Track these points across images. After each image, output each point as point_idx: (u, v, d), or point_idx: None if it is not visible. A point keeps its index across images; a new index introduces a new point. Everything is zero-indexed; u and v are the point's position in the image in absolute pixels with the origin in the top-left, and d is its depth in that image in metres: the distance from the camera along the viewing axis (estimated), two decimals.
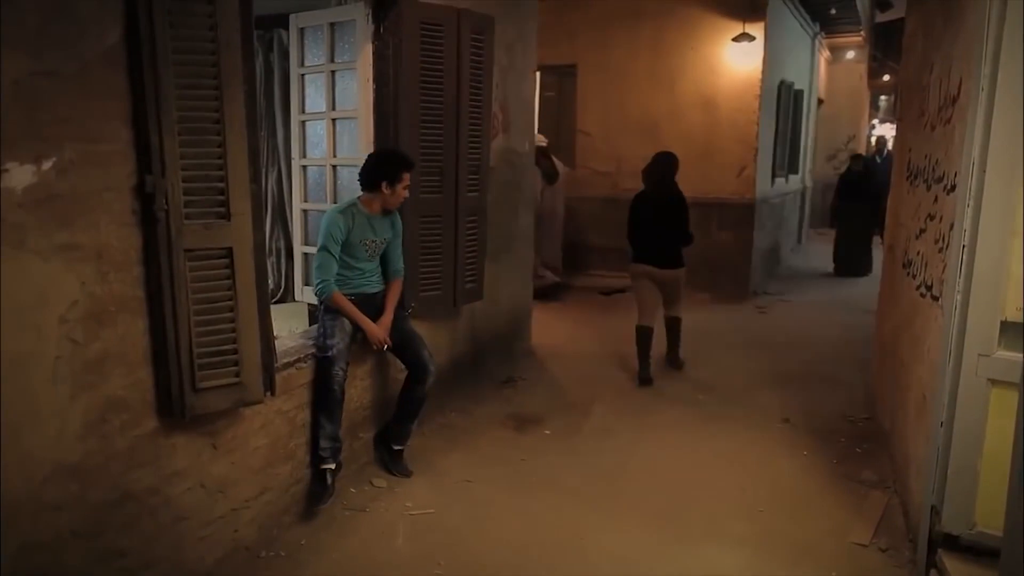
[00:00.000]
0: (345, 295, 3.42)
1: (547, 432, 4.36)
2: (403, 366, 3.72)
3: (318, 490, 3.32)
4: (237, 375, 2.66)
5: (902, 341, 3.68)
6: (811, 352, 6.13)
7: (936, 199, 3.12)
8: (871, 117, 19.74)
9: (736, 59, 7.90)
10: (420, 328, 4.06)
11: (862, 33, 13.14)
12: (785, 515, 3.40)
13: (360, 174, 3.45)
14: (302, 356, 3.26)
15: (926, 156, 3.36)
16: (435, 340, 4.33)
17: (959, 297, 2.59)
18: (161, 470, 2.57)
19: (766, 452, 4.09)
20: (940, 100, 3.21)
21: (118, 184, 2.32)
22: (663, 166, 5.19)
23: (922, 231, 3.32)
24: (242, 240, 2.61)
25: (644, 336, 5.26)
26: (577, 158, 8.80)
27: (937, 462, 2.70)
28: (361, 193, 3.48)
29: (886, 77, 15.85)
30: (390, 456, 3.73)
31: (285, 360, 3.15)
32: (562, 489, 3.64)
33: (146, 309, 2.44)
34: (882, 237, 9.68)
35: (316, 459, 3.34)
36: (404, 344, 3.65)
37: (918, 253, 3.36)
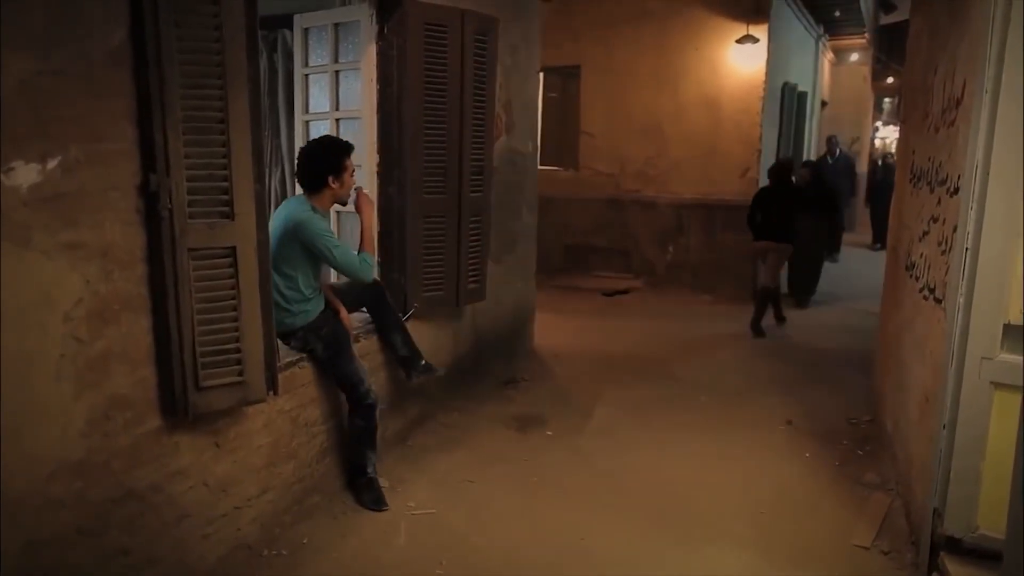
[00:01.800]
0: (305, 325, 3.25)
1: (549, 433, 4.36)
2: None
3: (378, 496, 3.40)
4: (240, 374, 2.67)
5: (904, 343, 3.68)
6: (814, 353, 6.12)
7: (939, 201, 3.12)
8: (875, 119, 19.73)
9: (740, 61, 7.90)
10: (422, 328, 4.07)
11: (866, 35, 13.12)
12: (787, 517, 3.40)
13: (299, 176, 3.25)
14: (305, 356, 3.27)
15: (929, 158, 3.36)
16: (437, 340, 4.33)
17: (962, 300, 2.59)
18: (164, 468, 2.58)
19: (768, 454, 4.09)
20: (944, 102, 3.21)
21: (123, 183, 2.32)
22: (783, 168, 6.76)
23: (925, 233, 3.32)
24: (246, 239, 2.61)
25: (765, 295, 6.70)
26: (580, 159, 8.81)
27: (939, 465, 2.70)
28: (303, 195, 3.25)
29: (890, 79, 15.84)
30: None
31: (288, 359, 3.16)
32: (564, 489, 3.64)
33: (150, 307, 2.45)
34: (823, 258, 8.84)
35: (364, 478, 3.43)
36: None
37: (921, 255, 3.36)
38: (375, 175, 3.90)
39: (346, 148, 3.23)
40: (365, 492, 3.41)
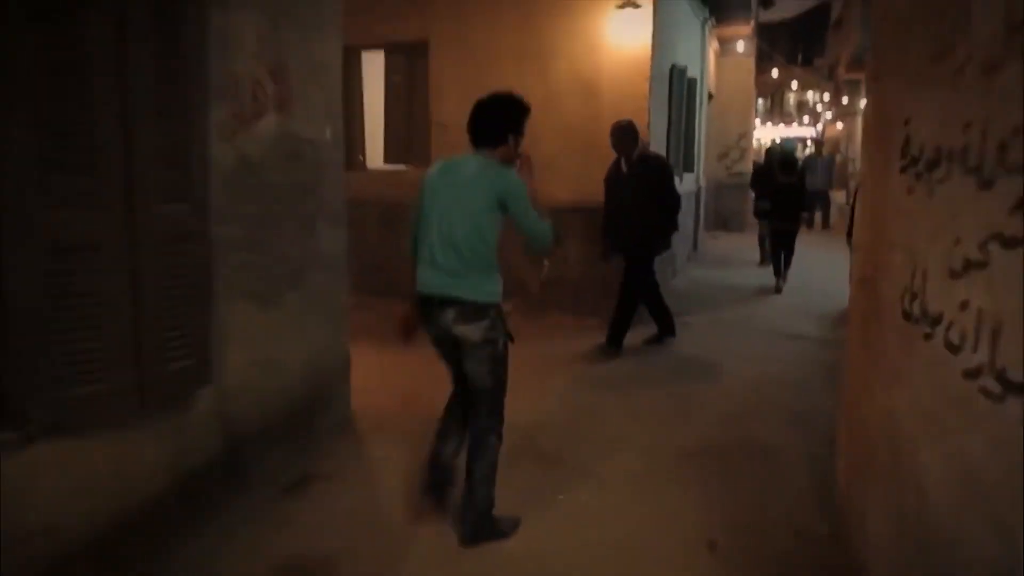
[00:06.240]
0: (496, 304, 2.88)
1: None
2: None
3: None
4: None
5: (918, 453, 2.16)
6: (733, 403, 4.64)
7: (1012, 205, 1.58)
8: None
9: (621, 34, 6.46)
10: (76, 453, 2.23)
11: (752, 22, 12.27)
12: None
13: (479, 127, 2.86)
14: None
15: (966, 125, 1.83)
16: (120, 465, 2.48)
17: None
18: None
19: None
20: (996, 28, 1.70)
21: None
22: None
23: (971, 265, 1.78)
24: None
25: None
26: (433, 153, 7.09)
27: None
28: (475, 151, 2.87)
29: (775, 73, 15.08)
30: None
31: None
32: None
33: None
34: None
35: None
36: None
37: (961, 306, 1.81)
38: None
39: (528, 108, 2.96)
40: (502, 521, 2.98)
